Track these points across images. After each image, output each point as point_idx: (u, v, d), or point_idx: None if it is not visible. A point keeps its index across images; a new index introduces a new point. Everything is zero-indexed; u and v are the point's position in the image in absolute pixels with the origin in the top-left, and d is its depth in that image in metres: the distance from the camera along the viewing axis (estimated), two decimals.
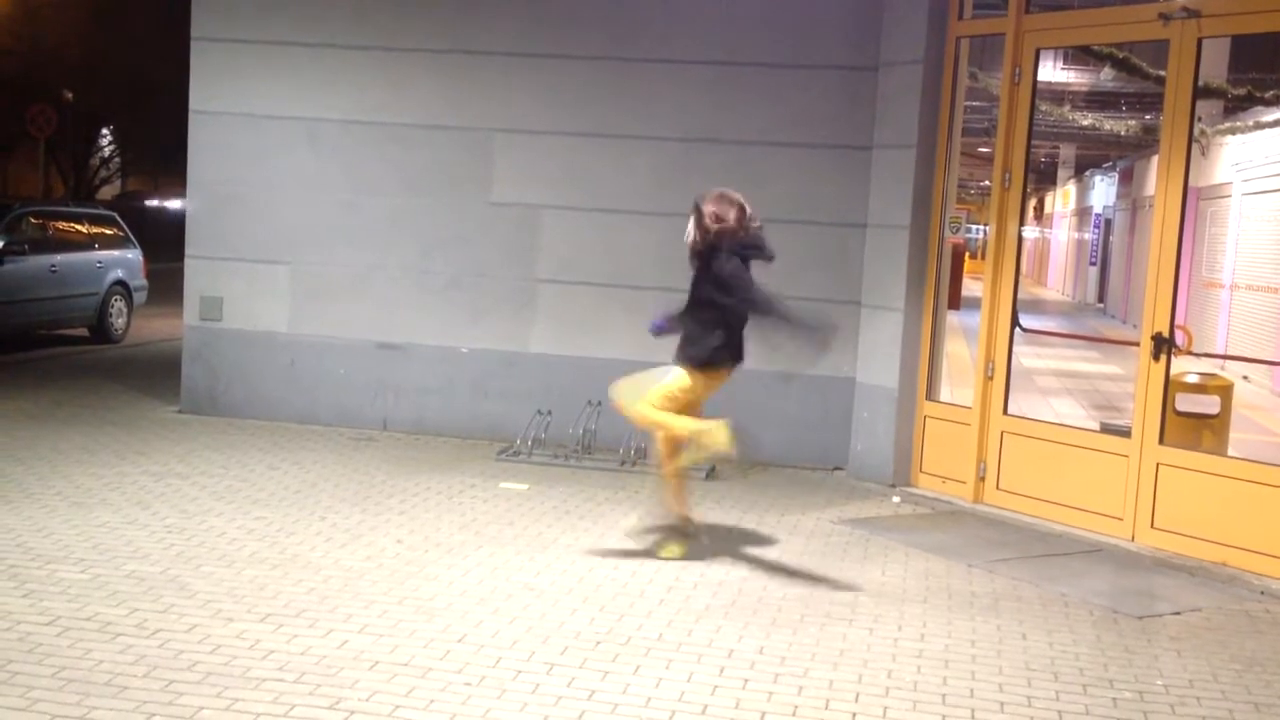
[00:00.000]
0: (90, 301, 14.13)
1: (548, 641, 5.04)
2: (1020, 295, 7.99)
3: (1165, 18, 6.95)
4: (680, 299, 6.27)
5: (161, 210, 30.43)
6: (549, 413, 8.74)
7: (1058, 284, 40.63)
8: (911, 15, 8.10)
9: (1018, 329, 7.92)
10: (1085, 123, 21.13)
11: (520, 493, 7.59)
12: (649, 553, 6.32)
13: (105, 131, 34.86)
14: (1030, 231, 47.86)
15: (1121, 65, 14.69)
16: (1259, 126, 16.26)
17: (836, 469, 8.66)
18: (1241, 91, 15.45)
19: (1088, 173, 34.91)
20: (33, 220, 13.90)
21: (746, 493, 7.80)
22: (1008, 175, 7.80)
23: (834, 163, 8.58)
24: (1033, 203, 45.54)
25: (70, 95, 28.66)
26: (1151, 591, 6.25)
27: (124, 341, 14.39)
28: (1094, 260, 31.83)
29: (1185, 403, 8.01)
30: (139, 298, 15.05)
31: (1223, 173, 18.08)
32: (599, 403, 8.66)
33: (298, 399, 9.40)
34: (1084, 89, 20.97)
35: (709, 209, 6.08)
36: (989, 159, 8.43)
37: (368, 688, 4.48)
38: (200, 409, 9.54)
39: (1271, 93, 15.61)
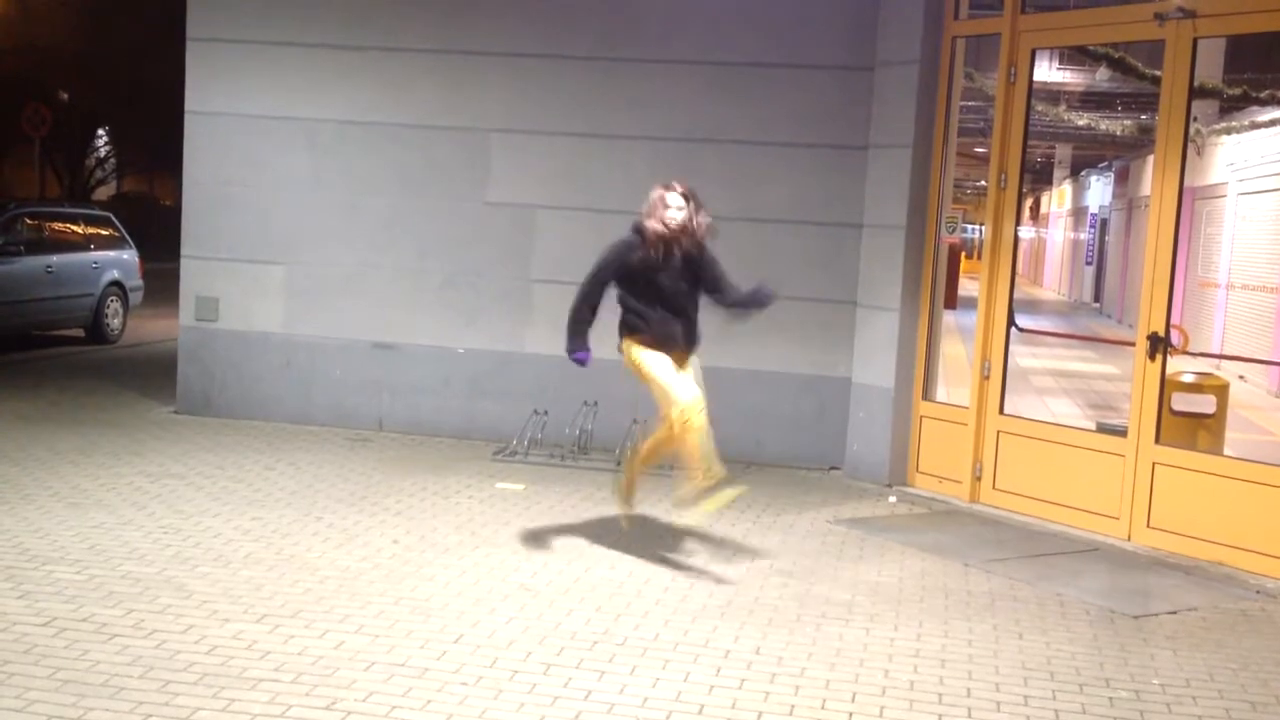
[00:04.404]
0: (86, 302, 14.12)
1: (544, 642, 5.04)
2: (1016, 295, 8.00)
3: (1161, 18, 6.95)
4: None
5: None
6: (545, 413, 8.73)
7: (1054, 284, 40.64)
8: (907, 15, 8.10)
9: (1014, 329, 7.93)
10: (1081, 123, 21.12)
11: (516, 493, 7.58)
12: (645, 552, 6.32)
13: (101, 132, 34.78)
14: (1026, 231, 47.84)
15: (1117, 65, 14.70)
16: (1254, 126, 16.28)
17: (833, 469, 8.66)
18: (1237, 91, 15.45)
19: (1083, 173, 34.91)
20: (28, 221, 13.89)
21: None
22: (1004, 175, 7.80)
23: (830, 163, 8.58)
24: (1029, 202, 45.54)
25: (65, 95, 28.59)
26: (1147, 591, 6.26)
27: (119, 342, 14.38)
28: (1090, 260, 31.85)
29: (1181, 402, 8.01)
30: (135, 298, 15.04)
31: (1218, 173, 18.08)
32: (595, 403, 8.67)
33: (293, 400, 9.40)
34: (1080, 89, 20.99)
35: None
36: (985, 159, 8.43)
37: (364, 688, 4.48)
38: (196, 410, 9.53)
39: (1267, 92, 15.63)
